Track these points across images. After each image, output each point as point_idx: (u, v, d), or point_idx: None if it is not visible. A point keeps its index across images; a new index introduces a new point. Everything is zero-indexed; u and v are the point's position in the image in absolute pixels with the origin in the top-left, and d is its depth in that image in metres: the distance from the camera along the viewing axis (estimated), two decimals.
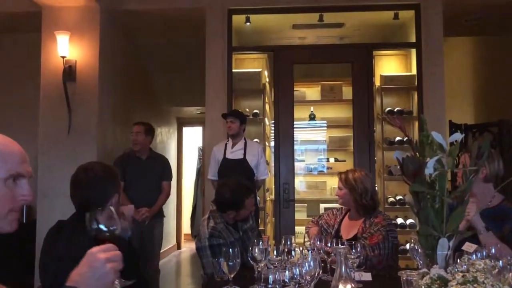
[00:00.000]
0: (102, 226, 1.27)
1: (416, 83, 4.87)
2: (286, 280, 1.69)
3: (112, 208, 1.31)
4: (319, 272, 1.71)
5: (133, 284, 1.81)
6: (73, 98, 4.55)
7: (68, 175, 1.99)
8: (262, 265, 2.16)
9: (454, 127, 5.41)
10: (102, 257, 1.19)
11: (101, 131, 4.71)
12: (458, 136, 1.48)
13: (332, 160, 5.83)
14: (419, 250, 1.98)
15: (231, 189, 2.87)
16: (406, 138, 1.48)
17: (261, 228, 4.91)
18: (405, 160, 1.51)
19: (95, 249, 1.21)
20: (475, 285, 1.22)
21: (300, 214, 5.26)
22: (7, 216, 1.22)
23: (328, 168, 5.82)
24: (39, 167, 4.55)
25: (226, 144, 4.37)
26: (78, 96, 4.57)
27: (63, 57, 4.48)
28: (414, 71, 4.96)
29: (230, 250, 2.16)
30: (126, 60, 5.48)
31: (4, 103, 5.63)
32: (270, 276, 1.82)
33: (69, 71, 4.54)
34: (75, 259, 1.22)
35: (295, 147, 5.07)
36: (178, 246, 8.55)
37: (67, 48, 4.48)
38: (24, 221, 5.11)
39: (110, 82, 4.91)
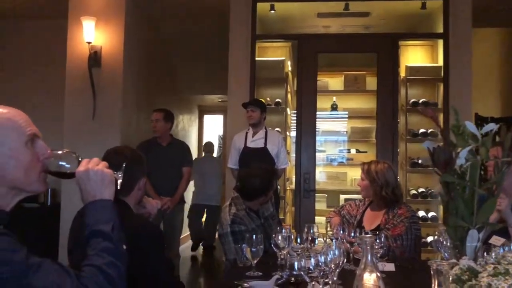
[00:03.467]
0: (64, 163, 1.36)
1: (442, 74, 4.78)
2: (311, 267, 1.69)
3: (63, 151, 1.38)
4: (343, 260, 1.70)
5: (162, 268, 1.84)
6: (98, 83, 4.59)
7: None
8: (285, 252, 2.17)
9: (480, 120, 5.32)
10: (90, 166, 1.31)
11: (125, 117, 4.76)
12: (492, 127, 1.45)
13: (353, 151, 5.78)
14: (444, 242, 1.95)
15: (259, 177, 2.88)
16: (439, 128, 1.46)
17: (280, 217, 4.92)
18: (437, 150, 1.48)
19: (79, 169, 1.30)
20: (506, 277, 1.20)
21: (320, 205, 5.24)
22: (39, 177, 1.27)
23: (348, 159, 5.77)
24: None
25: (246, 133, 4.37)
26: (103, 81, 4.61)
27: (88, 43, 4.51)
28: (440, 62, 4.86)
29: (254, 236, 2.17)
30: (149, 47, 5.51)
31: (29, 88, 5.70)
32: (296, 263, 1.83)
33: (95, 57, 4.57)
34: None
35: (316, 137, 5.05)
36: None
37: (93, 34, 4.52)
38: (49, 204, 5.21)
39: (134, 69, 4.94)
